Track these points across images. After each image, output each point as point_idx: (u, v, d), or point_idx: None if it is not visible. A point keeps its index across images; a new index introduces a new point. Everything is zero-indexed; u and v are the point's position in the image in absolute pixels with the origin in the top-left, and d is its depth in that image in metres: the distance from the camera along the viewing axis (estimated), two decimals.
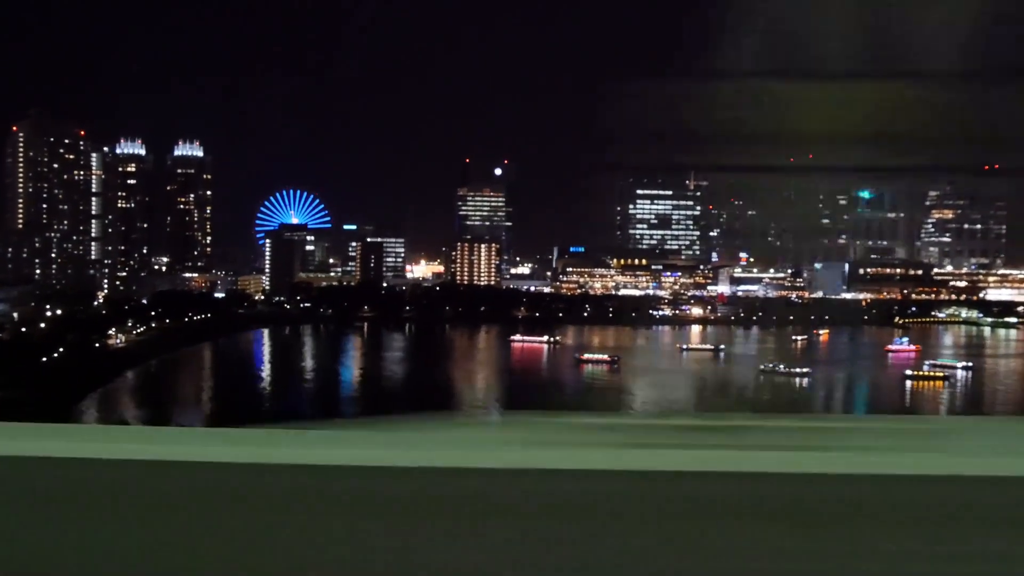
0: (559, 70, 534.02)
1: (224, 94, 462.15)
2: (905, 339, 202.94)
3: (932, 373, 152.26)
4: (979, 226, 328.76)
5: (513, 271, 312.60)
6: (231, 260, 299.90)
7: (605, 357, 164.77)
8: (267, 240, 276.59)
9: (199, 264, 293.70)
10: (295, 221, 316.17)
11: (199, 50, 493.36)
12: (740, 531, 2.49)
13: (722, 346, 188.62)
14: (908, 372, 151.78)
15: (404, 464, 2.55)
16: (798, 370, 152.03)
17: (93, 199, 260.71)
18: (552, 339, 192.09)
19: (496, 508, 2.51)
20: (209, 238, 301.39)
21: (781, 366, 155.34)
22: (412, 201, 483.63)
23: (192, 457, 2.58)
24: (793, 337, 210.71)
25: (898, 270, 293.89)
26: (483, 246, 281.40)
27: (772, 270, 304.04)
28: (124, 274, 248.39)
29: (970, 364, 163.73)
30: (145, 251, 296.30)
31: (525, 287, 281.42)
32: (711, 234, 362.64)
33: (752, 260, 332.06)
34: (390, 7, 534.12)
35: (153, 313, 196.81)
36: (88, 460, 2.58)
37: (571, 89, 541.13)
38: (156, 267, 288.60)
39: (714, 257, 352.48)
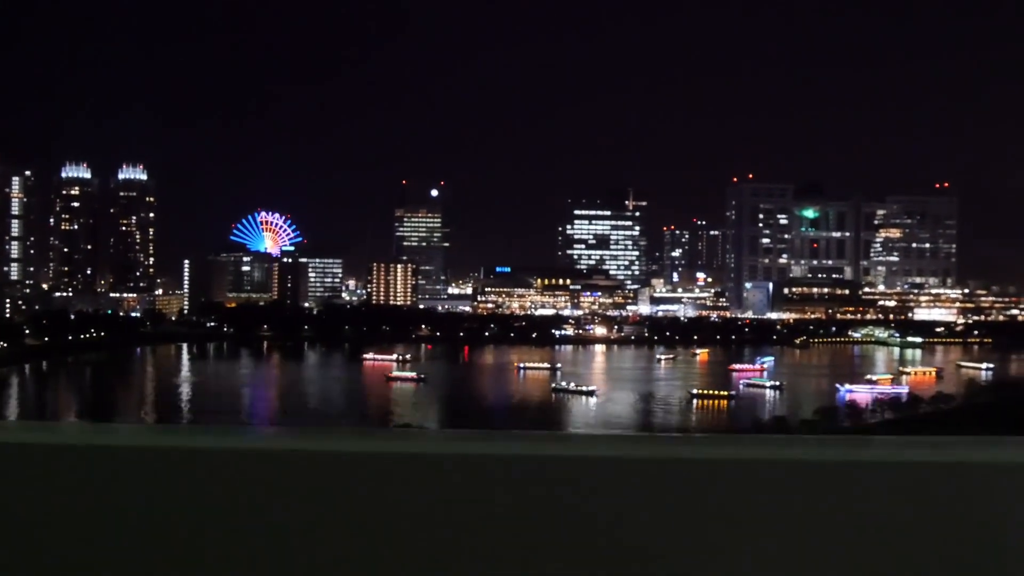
0: (503, 91, 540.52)
1: (170, 119, 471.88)
2: (769, 359, 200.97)
3: (718, 392, 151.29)
4: (928, 245, 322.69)
5: (451, 291, 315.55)
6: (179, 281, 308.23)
7: (412, 375, 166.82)
8: (186, 261, 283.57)
9: (141, 285, 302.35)
10: (269, 250, 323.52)
11: (142, 75, 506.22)
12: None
13: (559, 365, 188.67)
14: (694, 391, 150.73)
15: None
16: (585, 388, 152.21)
17: (14, 221, 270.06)
18: (400, 357, 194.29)
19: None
20: (152, 259, 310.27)
21: (572, 384, 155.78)
22: (355, 222, 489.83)
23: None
24: (658, 357, 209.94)
25: (825, 289, 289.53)
26: (399, 266, 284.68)
27: (696, 290, 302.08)
28: (28, 293, 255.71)
29: (778, 384, 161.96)
30: (89, 272, 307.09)
31: (459, 307, 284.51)
32: (673, 254, 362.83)
33: (709, 280, 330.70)
34: (331, 32, 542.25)
35: (28, 331, 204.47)
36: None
37: (513, 110, 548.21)
38: (99, 288, 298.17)
39: (675, 277, 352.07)
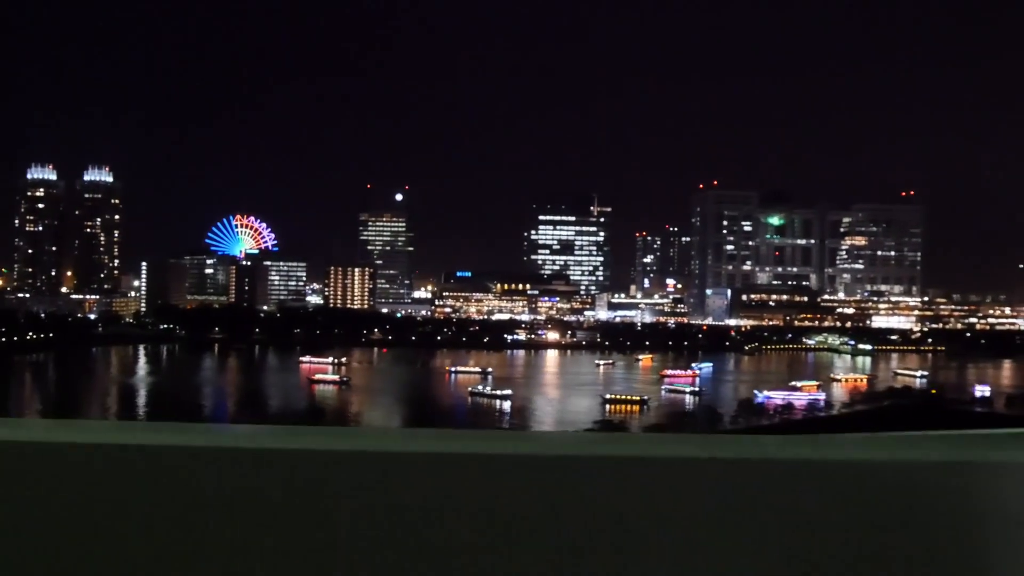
0: (470, 96, 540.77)
1: (137, 122, 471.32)
2: (706, 365, 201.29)
3: (630, 398, 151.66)
4: (893, 253, 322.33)
5: (416, 295, 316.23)
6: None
7: (335, 378, 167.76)
8: (144, 264, 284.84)
9: (105, 287, 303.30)
10: (241, 253, 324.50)
11: (109, 77, 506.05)
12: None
13: (490, 369, 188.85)
14: (607, 396, 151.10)
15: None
16: (499, 392, 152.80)
17: None
18: (336, 360, 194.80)
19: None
20: (117, 261, 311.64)
21: (487, 389, 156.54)
22: (323, 226, 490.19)
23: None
24: (596, 362, 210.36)
25: (783, 296, 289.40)
26: (356, 270, 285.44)
27: (656, 296, 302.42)
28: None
29: (698, 389, 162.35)
30: (53, 273, 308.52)
31: (421, 312, 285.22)
32: (645, 260, 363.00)
33: (679, 287, 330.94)
34: (297, 35, 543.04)
35: None
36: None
37: (481, 115, 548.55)
38: (64, 289, 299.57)
39: (646, 284, 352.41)
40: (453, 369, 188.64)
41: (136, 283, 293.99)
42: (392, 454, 2.65)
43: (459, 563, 2.62)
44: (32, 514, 2.58)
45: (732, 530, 2.64)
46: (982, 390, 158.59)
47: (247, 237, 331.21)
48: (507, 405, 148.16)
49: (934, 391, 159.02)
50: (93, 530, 2.60)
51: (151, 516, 2.60)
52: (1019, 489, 2.65)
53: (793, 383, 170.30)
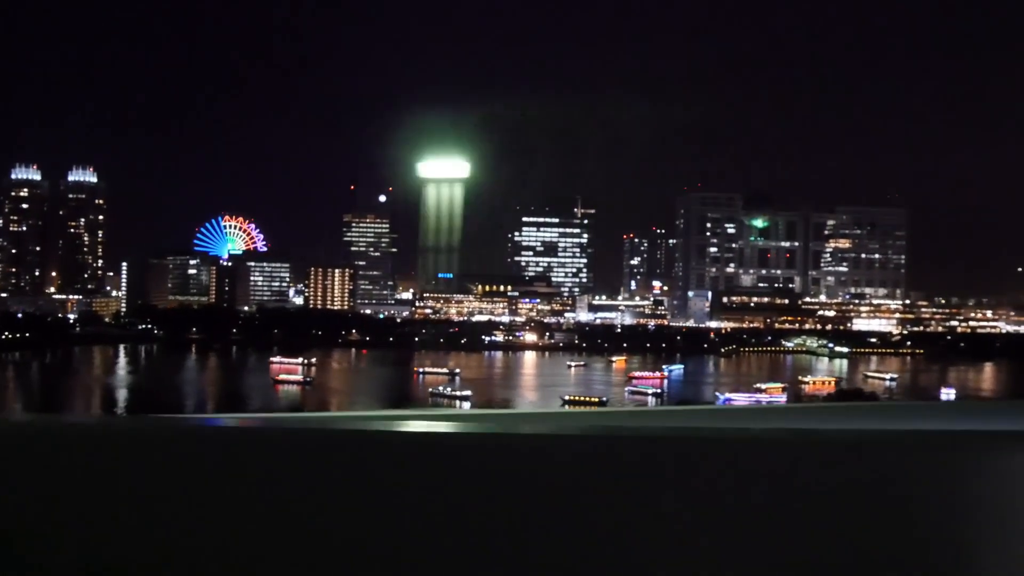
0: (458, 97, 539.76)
1: (122, 122, 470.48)
2: (677, 367, 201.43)
3: (589, 399, 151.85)
4: (877, 256, 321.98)
5: (400, 296, 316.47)
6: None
7: (299, 378, 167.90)
8: (124, 264, 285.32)
9: (89, 287, 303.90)
10: (226, 253, 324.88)
11: (94, 78, 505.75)
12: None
13: (457, 370, 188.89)
14: (566, 397, 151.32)
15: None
16: (459, 393, 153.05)
17: None
18: (306, 361, 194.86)
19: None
20: (101, 261, 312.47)
21: (449, 390, 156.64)
22: (311, 227, 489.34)
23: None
24: (568, 364, 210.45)
25: (764, 299, 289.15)
26: (336, 271, 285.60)
27: (638, 298, 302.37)
28: None
29: (660, 391, 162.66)
30: (37, 273, 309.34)
31: (403, 313, 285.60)
32: (632, 262, 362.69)
33: (665, 289, 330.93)
34: (286, 36, 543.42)
35: None
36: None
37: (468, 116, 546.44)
38: (47, 289, 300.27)
39: (632, 286, 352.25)
40: (421, 370, 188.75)
41: (107, 282, 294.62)
42: (388, 435, 2.74)
43: (458, 548, 2.59)
44: (29, 505, 2.60)
45: (728, 503, 2.60)
46: (947, 393, 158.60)
47: (238, 238, 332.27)
48: (467, 406, 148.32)
49: (896, 395, 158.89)
50: (90, 518, 2.59)
51: (148, 504, 2.59)
52: (1012, 457, 2.67)
53: (757, 385, 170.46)
